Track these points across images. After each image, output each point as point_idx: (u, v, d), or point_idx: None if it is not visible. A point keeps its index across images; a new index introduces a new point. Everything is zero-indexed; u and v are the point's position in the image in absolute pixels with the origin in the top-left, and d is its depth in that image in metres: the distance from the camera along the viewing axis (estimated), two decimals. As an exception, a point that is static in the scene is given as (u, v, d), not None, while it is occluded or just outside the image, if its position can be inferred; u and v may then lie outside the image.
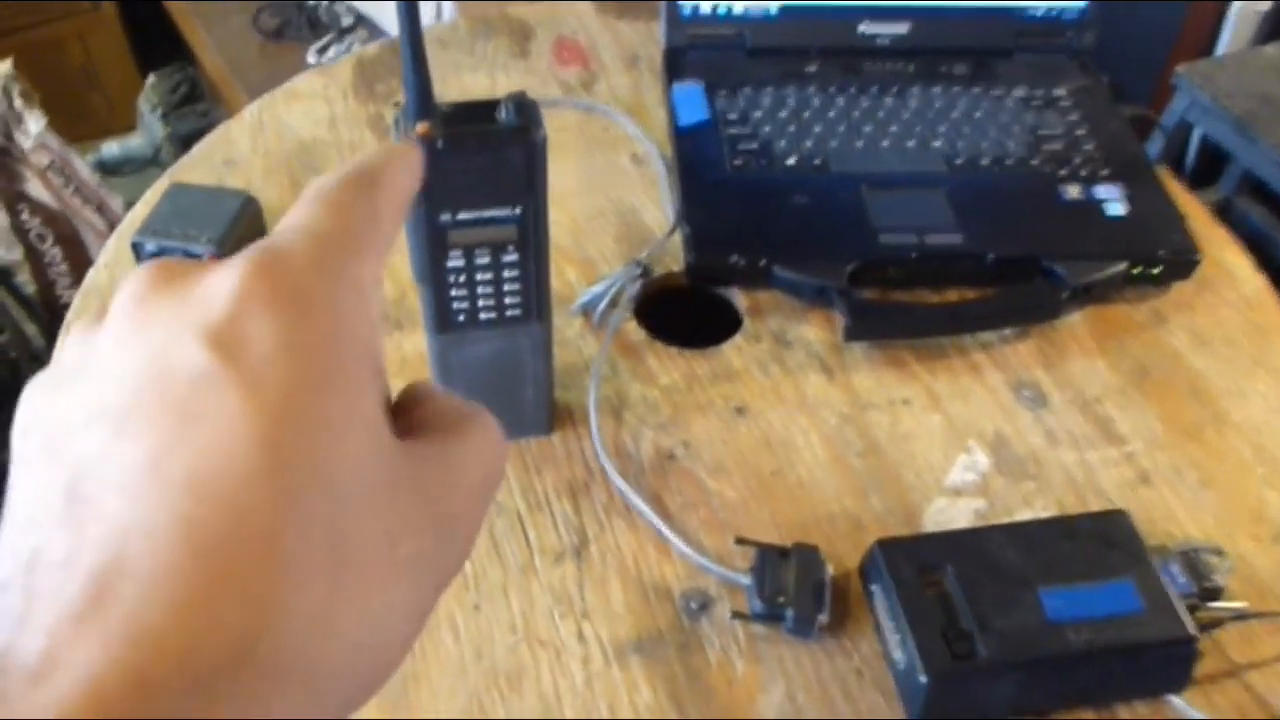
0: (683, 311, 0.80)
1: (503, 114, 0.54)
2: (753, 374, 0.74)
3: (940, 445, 0.70)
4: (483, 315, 0.61)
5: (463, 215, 0.56)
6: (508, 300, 0.61)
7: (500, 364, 0.64)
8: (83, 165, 1.66)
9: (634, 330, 0.76)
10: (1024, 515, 0.67)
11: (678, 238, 0.80)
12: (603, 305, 0.74)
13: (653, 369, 0.74)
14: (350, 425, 0.24)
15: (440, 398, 0.29)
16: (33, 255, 1.61)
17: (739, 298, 0.79)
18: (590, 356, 0.74)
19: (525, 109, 0.54)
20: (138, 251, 0.77)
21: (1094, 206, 0.81)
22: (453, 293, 0.59)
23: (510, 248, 0.58)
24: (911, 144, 0.85)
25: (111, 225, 1.70)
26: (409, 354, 0.73)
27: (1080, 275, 0.76)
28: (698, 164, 0.84)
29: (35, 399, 0.25)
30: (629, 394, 0.72)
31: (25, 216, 1.58)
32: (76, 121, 1.95)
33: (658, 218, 0.84)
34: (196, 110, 2.02)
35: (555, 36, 1.02)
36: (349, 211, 0.27)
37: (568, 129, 0.92)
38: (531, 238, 0.58)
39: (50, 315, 1.68)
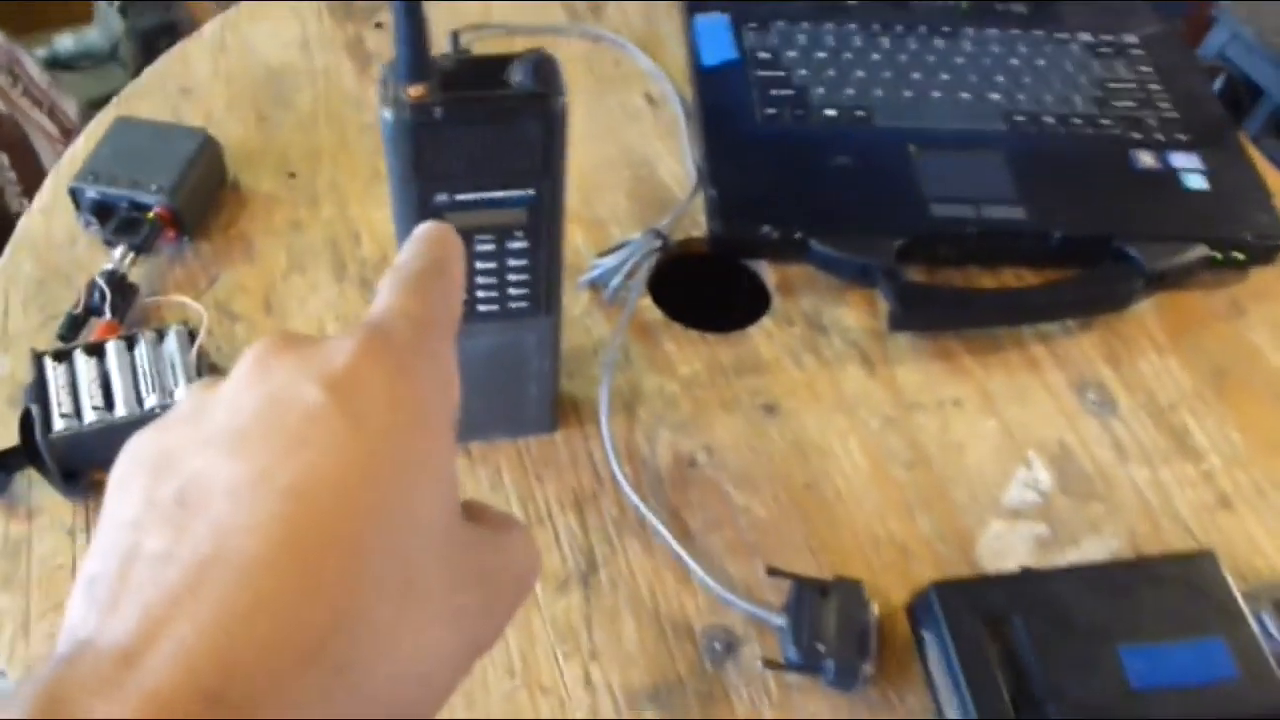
0: (700, 279, 0.70)
1: (516, 75, 0.44)
2: (784, 365, 0.65)
3: (995, 456, 0.62)
4: (482, 307, 0.51)
5: (463, 196, 0.46)
6: (512, 292, 0.51)
7: (500, 359, 0.55)
8: (33, 63, 1.53)
9: (648, 308, 0.67)
10: (1091, 544, 0.58)
11: (699, 198, 0.71)
12: (616, 280, 0.64)
13: (670, 356, 0.65)
14: (433, 473, 0.26)
15: (484, 503, 0.31)
16: (-23, 160, 1.48)
17: (767, 270, 0.70)
18: (599, 338, 0.65)
19: (544, 70, 0.44)
20: (76, 198, 0.66)
21: (1170, 177, 0.72)
22: (447, 282, 0.50)
23: (518, 233, 0.48)
24: (966, 95, 0.75)
25: (64, 130, 1.57)
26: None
27: (1157, 259, 0.67)
28: (724, 112, 0.73)
29: (146, 435, 0.27)
30: (643, 386, 0.63)
31: (-32, 119, 1.45)
32: (27, 11, 1.80)
33: (676, 171, 0.74)
34: (158, 4, 1.86)
35: (559, -50, 0.91)
36: (429, 297, 0.30)
37: (574, 61, 0.81)
38: (544, 223, 0.48)
39: (1, 225, 1.56)
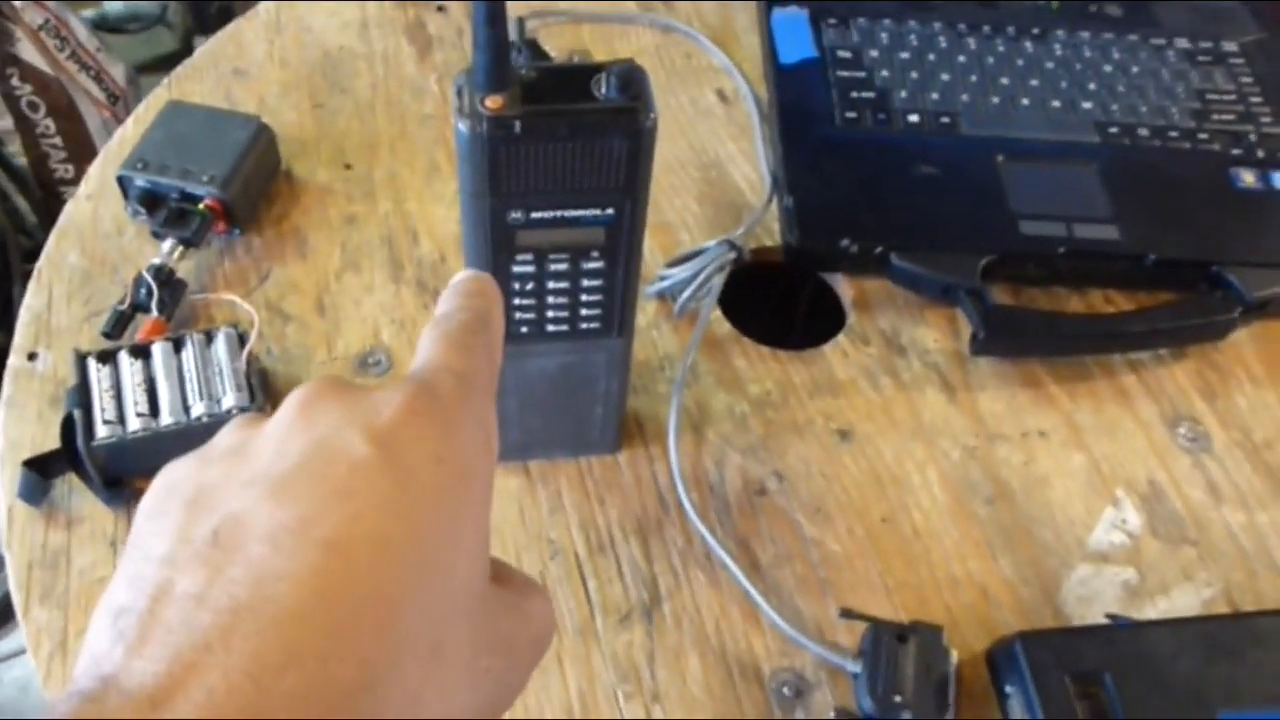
0: (761, 284, 0.67)
1: (603, 87, 0.40)
2: (859, 387, 0.61)
3: (1082, 493, 0.58)
4: (551, 327, 0.49)
5: (539, 215, 0.43)
6: (584, 312, 0.48)
7: (567, 379, 0.52)
8: (81, 27, 1.51)
9: (717, 320, 0.64)
10: (1182, 593, 0.55)
11: (774, 205, 0.67)
12: (687, 294, 0.61)
13: (740, 373, 0.61)
14: (470, 535, 0.26)
15: (506, 563, 0.31)
16: (24, 125, 1.46)
17: (842, 284, 0.66)
18: (665, 352, 0.62)
19: (633, 83, 0.40)
20: (124, 186, 0.63)
21: (1273, 198, 0.68)
22: (516, 301, 0.47)
23: (594, 254, 0.45)
24: (1056, 103, 0.71)
25: (111, 95, 1.55)
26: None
27: (1257, 287, 0.63)
28: (802, 114, 0.70)
29: (183, 466, 0.27)
30: (712, 405, 0.60)
31: (15, 82, 1.42)
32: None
33: (749, 174, 0.70)
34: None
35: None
36: (473, 354, 0.30)
37: (643, 54, 0.77)
38: (623, 244, 0.45)
39: (44, 191, 1.54)
